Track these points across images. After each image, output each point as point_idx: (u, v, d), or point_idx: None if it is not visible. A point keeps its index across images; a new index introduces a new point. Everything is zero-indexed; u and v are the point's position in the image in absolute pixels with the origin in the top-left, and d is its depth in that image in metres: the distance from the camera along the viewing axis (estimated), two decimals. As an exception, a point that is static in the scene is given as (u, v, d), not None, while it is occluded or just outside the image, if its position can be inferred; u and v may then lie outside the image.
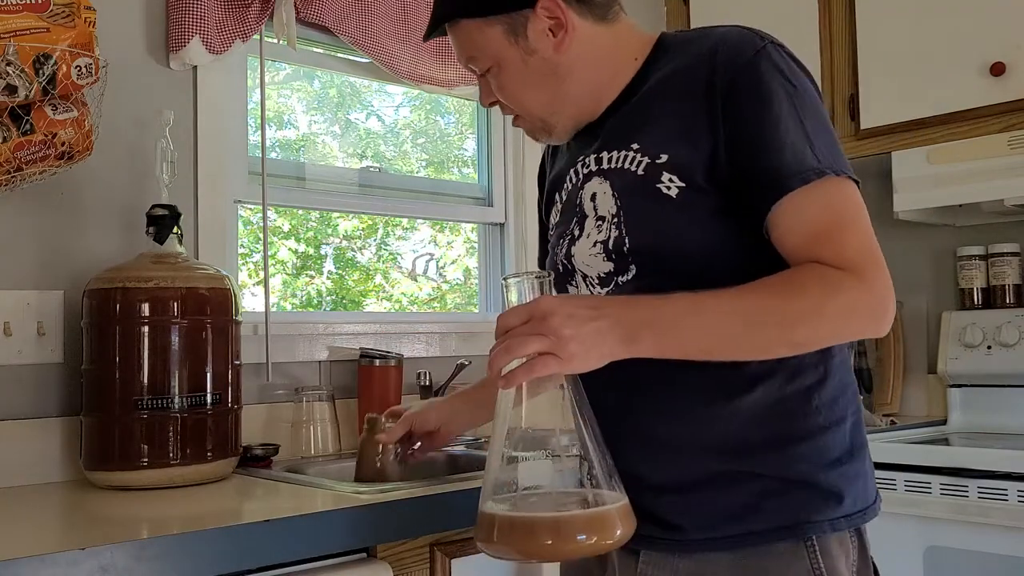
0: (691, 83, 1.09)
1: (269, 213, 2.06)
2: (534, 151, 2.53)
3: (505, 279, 1.04)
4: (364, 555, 1.37)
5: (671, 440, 1.10)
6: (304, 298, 2.40)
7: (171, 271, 1.61)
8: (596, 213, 1.15)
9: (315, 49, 2.19)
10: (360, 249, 2.53)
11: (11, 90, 1.47)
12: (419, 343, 2.24)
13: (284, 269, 2.36)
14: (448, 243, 2.63)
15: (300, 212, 2.36)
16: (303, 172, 2.20)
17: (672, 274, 1.08)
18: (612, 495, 0.99)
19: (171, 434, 1.56)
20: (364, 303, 2.50)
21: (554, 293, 1.06)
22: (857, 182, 1.09)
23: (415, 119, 2.56)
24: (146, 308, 1.57)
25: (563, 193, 1.23)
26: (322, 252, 2.44)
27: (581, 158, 1.19)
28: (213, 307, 1.63)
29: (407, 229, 2.57)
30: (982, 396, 2.25)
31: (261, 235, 2.03)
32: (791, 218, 1.04)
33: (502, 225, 2.52)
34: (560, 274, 1.21)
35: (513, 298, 1.02)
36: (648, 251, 1.10)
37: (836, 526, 1.08)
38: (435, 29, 1.22)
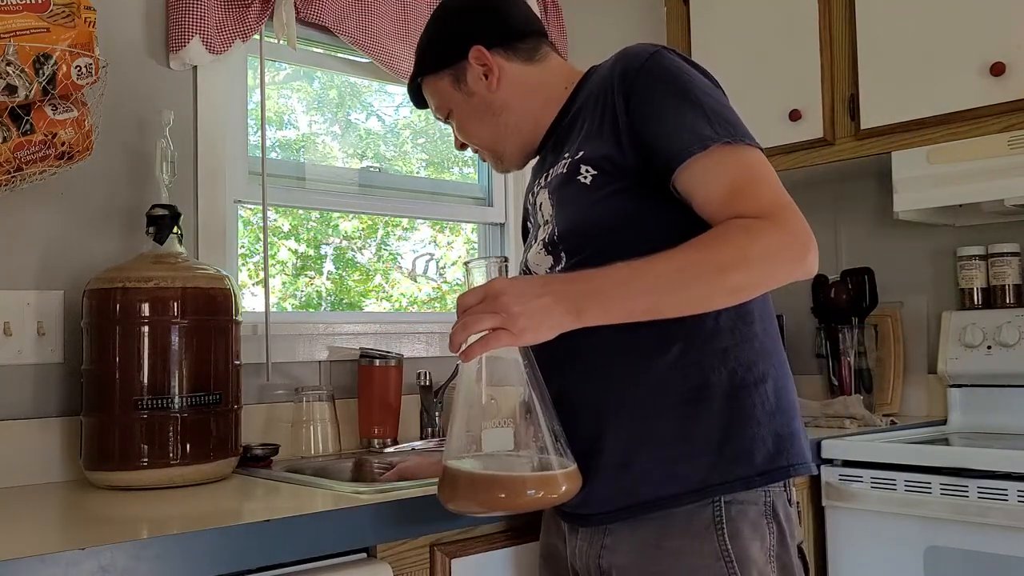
0: (601, 92, 1.25)
1: (269, 213, 2.06)
2: (534, 151, 2.53)
3: (465, 263, 1.18)
4: (364, 555, 1.37)
5: (591, 402, 1.21)
6: (304, 298, 2.40)
7: (171, 271, 1.61)
8: (541, 219, 1.31)
9: (315, 49, 2.19)
10: (360, 249, 2.53)
11: (11, 90, 1.47)
12: (419, 343, 2.24)
13: (284, 269, 2.36)
14: (448, 243, 2.63)
15: (300, 212, 2.36)
16: (303, 172, 2.20)
17: (595, 253, 1.19)
18: (559, 459, 1.13)
19: (171, 434, 1.56)
20: (364, 303, 2.50)
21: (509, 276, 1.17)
22: (760, 148, 1.18)
23: (415, 119, 2.56)
24: (146, 308, 1.57)
25: (530, 215, 1.41)
26: (322, 252, 2.44)
27: (537, 180, 1.37)
28: (213, 307, 1.63)
29: (407, 229, 2.57)
30: (982, 396, 2.25)
31: (261, 235, 2.03)
32: (701, 185, 1.15)
33: (502, 225, 2.52)
34: (521, 275, 1.36)
35: (474, 281, 1.15)
36: (571, 233, 1.24)
37: (747, 484, 1.15)
38: (414, 91, 1.47)
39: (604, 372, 1.21)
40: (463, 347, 1.09)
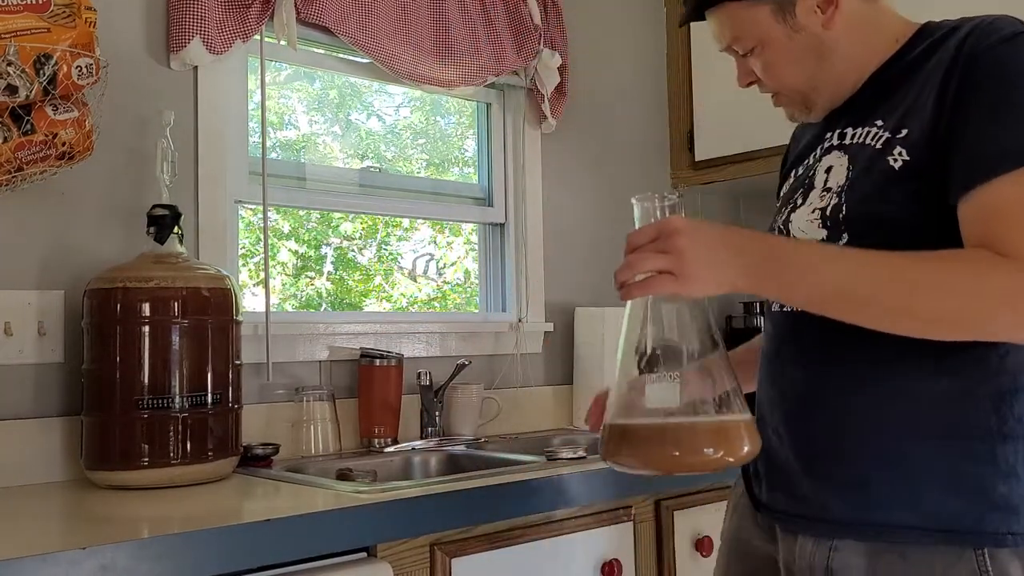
0: (938, 62, 1.08)
1: (270, 214, 2.06)
2: (534, 151, 2.53)
3: (635, 198, 1.05)
4: (364, 555, 1.37)
5: (835, 404, 1.10)
6: (304, 299, 2.40)
7: (172, 271, 1.61)
8: (825, 184, 1.15)
9: (316, 49, 2.20)
10: (360, 250, 2.53)
11: (12, 90, 1.48)
12: (419, 343, 2.24)
13: (284, 270, 2.36)
14: (448, 243, 2.64)
15: (300, 213, 2.36)
16: (303, 172, 2.20)
17: (881, 247, 1.03)
18: (737, 411, 1.00)
19: (172, 434, 1.56)
20: (364, 303, 2.50)
21: (684, 215, 1.04)
22: None
23: (415, 119, 2.56)
24: (147, 308, 1.57)
25: (800, 168, 1.25)
26: (322, 253, 2.44)
27: (827, 135, 1.20)
28: (214, 307, 1.63)
29: (407, 230, 2.57)
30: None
31: (261, 235, 2.03)
32: (988, 203, 0.99)
33: (502, 225, 2.52)
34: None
35: (641, 218, 1.04)
36: (862, 219, 1.09)
37: (1014, 541, 1.03)
38: (696, 14, 1.25)
39: (858, 377, 1.09)
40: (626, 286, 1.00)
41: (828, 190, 1.14)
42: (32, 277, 1.71)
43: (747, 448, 0.99)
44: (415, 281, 2.59)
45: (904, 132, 1.07)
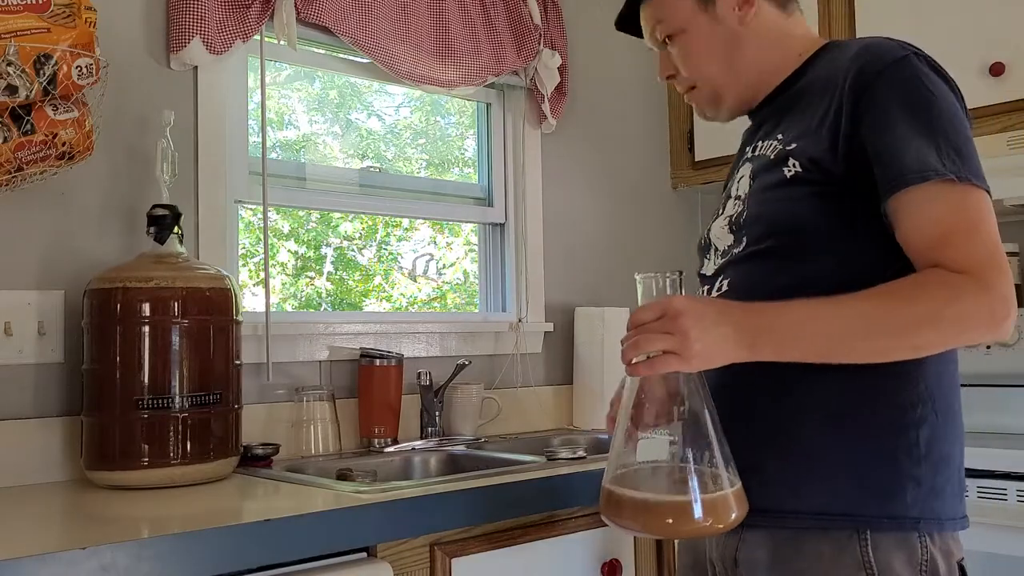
0: (832, 82, 1.16)
1: (270, 213, 2.06)
2: (534, 151, 2.53)
3: (638, 276, 1.12)
4: (364, 555, 1.37)
5: (771, 412, 1.15)
6: (304, 299, 2.40)
7: (172, 271, 1.61)
8: (735, 192, 1.26)
9: (316, 49, 2.20)
10: (360, 250, 2.53)
11: (12, 90, 1.48)
12: (419, 343, 2.24)
13: (284, 270, 2.36)
14: (448, 243, 2.63)
15: (300, 213, 2.36)
16: (303, 172, 2.20)
17: (775, 248, 1.16)
18: (729, 479, 1.07)
19: (172, 434, 1.56)
20: (364, 303, 2.50)
21: (683, 293, 1.11)
22: (988, 191, 1.11)
23: (415, 119, 2.56)
24: (147, 308, 1.57)
25: (730, 179, 1.35)
26: (322, 253, 2.44)
27: (747, 148, 1.30)
28: (214, 307, 1.63)
29: (407, 230, 2.57)
30: (982, 396, 2.25)
31: (261, 235, 2.03)
32: (908, 218, 1.08)
33: (502, 225, 2.52)
34: (701, 247, 1.33)
35: (645, 294, 1.11)
36: (757, 222, 1.19)
37: (897, 525, 1.09)
38: (629, 9, 1.38)
39: (764, 368, 1.11)
40: (633, 362, 1.06)
41: (738, 199, 1.24)
42: (32, 277, 1.71)
43: (735, 515, 1.06)
44: (415, 281, 2.58)
45: (794, 146, 1.16)
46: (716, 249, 1.27)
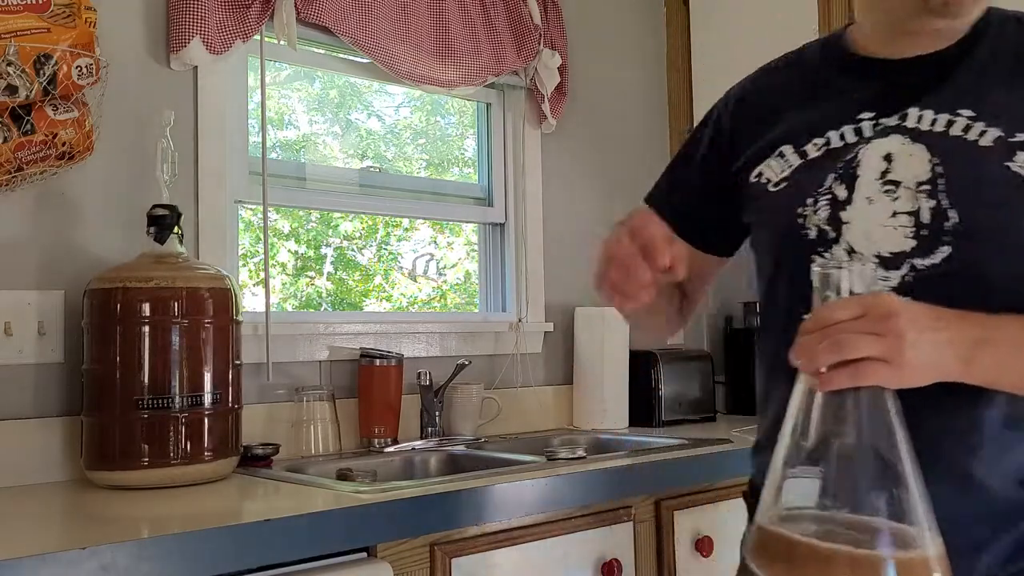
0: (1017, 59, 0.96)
1: (270, 214, 2.06)
2: (534, 151, 2.53)
3: (820, 268, 0.83)
4: (364, 555, 1.38)
5: (973, 467, 0.95)
6: (304, 299, 2.40)
7: (172, 271, 1.61)
8: (885, 177, 0.97)
9: (316, 49, 2.20)
10: (360, 250, 2.53)
11: (12, 90, 1.48)
12: (419, 343, 2.24)
13: (284, 270, 2.37)
14: (448, 243, 2.64)
15: (300, 213, 2.36)
16: (303, 172, 2.20)
17: (991, 268, 0.92)
18: (929, 536, 0.77)
19: (171, 434, 1.56)
20: (364, 303, 2.50)
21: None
22: None
23: (415, 119, 2.56)
24: (147, 308, 1.57)
25: (806, 144, 1.05)
26: (322, 253, 2.44)
27: (860, 112, 1.02)
28: (213, 307, 1.63)
29: (407, 230, 2.57)
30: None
31: (261, 235, 2.03)
32: None
33: (502, 225, 2.52)
34: (802, 241, 1.01)
35: (833, 289, 0.83)
36: (977, 232, 0.93)
37: None
38: None
39: (981, 433, 0.94)
40: (822, 370, 0.79)
41: (895, 184, 0.96)
42: (32, 277, 1.71)
43: None
44: (415, 281, 2.58)
45: (1022, 136, 0.93)
46: (854, 251, 0.99)
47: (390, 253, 2.57)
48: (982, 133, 0.94)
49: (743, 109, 1.17)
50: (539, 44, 2.42)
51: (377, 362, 2.07)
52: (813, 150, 1.04)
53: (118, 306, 1.57)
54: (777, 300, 1.09)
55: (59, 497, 1.56)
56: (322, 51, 2.21)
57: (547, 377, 2.51)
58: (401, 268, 2.58)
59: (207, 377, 1.61)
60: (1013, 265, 0.92)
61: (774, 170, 1.07)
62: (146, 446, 1.55)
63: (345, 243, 2.50)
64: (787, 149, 1.06)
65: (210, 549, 1.19)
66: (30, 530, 1.31)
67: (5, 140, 1.51)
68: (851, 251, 0.98)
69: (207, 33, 1.87)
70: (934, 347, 0.82)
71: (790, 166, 1.05)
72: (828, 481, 0.79)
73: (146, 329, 1.57)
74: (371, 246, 2.55)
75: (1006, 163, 0.92)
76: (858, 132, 1.01)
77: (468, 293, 2.62)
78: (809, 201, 1.02)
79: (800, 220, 1.02)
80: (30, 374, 1.70)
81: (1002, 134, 0.94)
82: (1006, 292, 0.92)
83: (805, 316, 0.93)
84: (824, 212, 1.00)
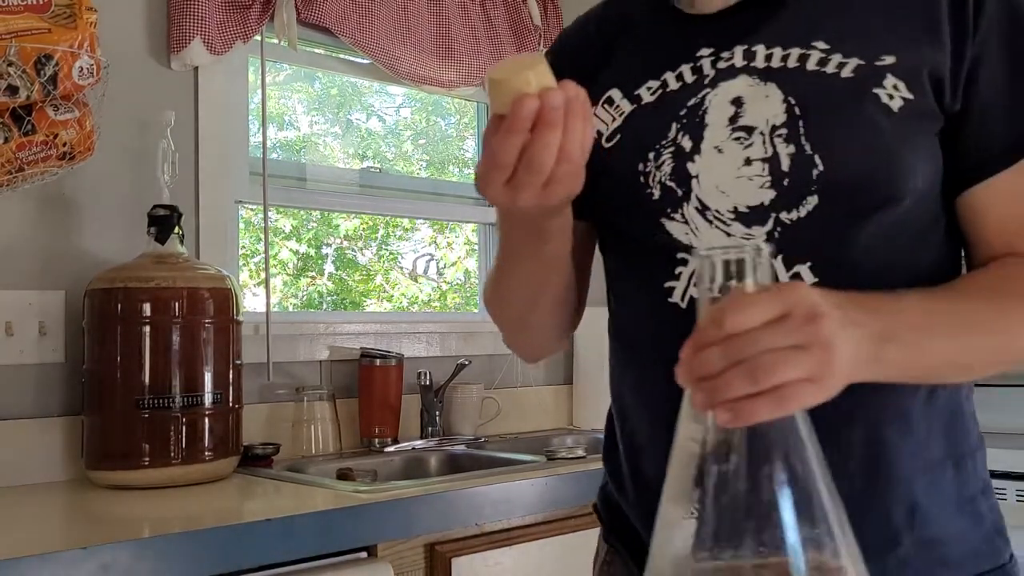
0: None
1: (270, 213, 2.06)
2: (534, 151, 2.53)
3: (706, 252, 0.58)
4: (364, 555, 1.38)
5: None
6: (305, 298, 2.40)
7: (172, 271, 1.61)
8: (736, 123, 0.82)
9: (316, 50, 2.20)
10: (361, 249, 2.53)
11: (12, 91, 1.48)
12: (419, 343, 2.24)
13: (285, 270, 2.37)
14: (448, 243, 2.64)
15: (301, 213, 2.36)
16: (304, 172, 2.21)
17: (862, 215, 0.79)
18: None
19: (172, 433, 1.56)
20: (365, 303, 2.50)
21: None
22: None
23: (416, 120, 2.57)
24: (147, 308, 1.57)
25: (644, 92, 0.88)
26: (323, 253, 2.44)
27: (702, 50, 0.86)
28: (214, 307, 1.63)
29: (407, 230, 2.58)
30: (982, 396, 2.25)
31: (262, 235, 2.03)
32: (1010, 192, 0.81)
33: (502, 225, 2.52)
34: (648, 201, 0.85)
35: (707, 278, 0.59)
36: (850, 179, 0.79)
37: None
38: None
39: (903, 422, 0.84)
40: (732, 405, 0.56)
41: (748, 130, 0.82)
42: (33, 277, 1.71)
43: None
44: (415, 281, 2.59)
45: (893, 59, 0.79)
46: (707, 208, 0.83)
47: (390, 253, 2.57)
48: (841, 65, 0.80)
49: (560, 60, 0.86)
50: (539, 44, 2.42)
51: (377, 362, 2.07)
52: (647, 94, 0.88)
53: (119, 306, 1.58)
54: (627, 289, 0.95)
55: (60, 497, 1.56)
56: (322, 51, 2.21)
57: (547, 377, 2.51)
58: (401, 268, 2.58)
59: (208, 377, 1.61)
60: (888, 214, 0.79)
61: (603, 120, 0.90)
62: (147, 446, 1.55)
63: (345, 243, 2.50)
64: (616, 94, 0.90)
65: (210, 549, 1.19)
66: (30, 530, 1.31)
67: (6, 140, 1.51)
68: (703, 208, 0.83)
69: (207, 34, 1.87)
70: (852, 349, 0.63)
71: (621, 114, 0.89)
72: (730, 525, 0.57)
73: (147, 329, 1.57)
74: (371, 246, 2.55)
75: (874, 90, 0.79)
76: (697, 71, 0.85)
77: (468, 293, 2.62)
78: (651, 156, 0.86)
79: (642, 179, 0.86)
80: (31, 374, 1.70)
81: (863, 62, 0.80)
82: (881, 246, 0.80)
83: (673, 301, 0.82)
84: (667, 167, 0.85)
